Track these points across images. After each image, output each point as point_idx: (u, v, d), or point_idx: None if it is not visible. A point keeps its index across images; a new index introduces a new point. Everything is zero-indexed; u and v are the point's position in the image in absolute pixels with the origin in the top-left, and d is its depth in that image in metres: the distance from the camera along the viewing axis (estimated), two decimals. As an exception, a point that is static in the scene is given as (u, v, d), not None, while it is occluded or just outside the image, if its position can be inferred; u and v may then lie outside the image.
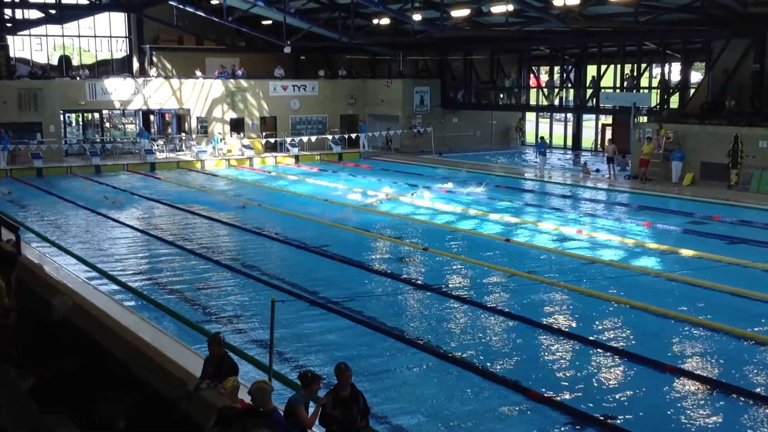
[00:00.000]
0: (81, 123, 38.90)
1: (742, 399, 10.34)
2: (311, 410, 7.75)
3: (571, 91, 38.78)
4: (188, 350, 11.12)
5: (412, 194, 25.81)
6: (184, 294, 15.39)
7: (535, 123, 45.17)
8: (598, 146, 40.91)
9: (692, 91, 32.98)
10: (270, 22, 39.29)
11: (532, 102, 40.06)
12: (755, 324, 13.09)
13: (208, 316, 13.96)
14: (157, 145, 37.33)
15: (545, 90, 39.80)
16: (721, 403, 10.33)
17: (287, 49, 37.13)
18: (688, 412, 10.06)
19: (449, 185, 28.62)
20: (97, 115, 38.57)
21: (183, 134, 38.92)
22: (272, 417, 7.22)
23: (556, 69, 41.59)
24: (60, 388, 7.78)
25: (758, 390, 10.64)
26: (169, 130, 39.55)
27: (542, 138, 27.43)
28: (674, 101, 34.02)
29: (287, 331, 12.68)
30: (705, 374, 11.20)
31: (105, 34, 40.82)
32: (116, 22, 40.77)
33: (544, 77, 42.73)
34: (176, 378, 8.68)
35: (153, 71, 38.93)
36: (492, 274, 16.89)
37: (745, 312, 13.95)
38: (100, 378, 9.31)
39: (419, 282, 16.38)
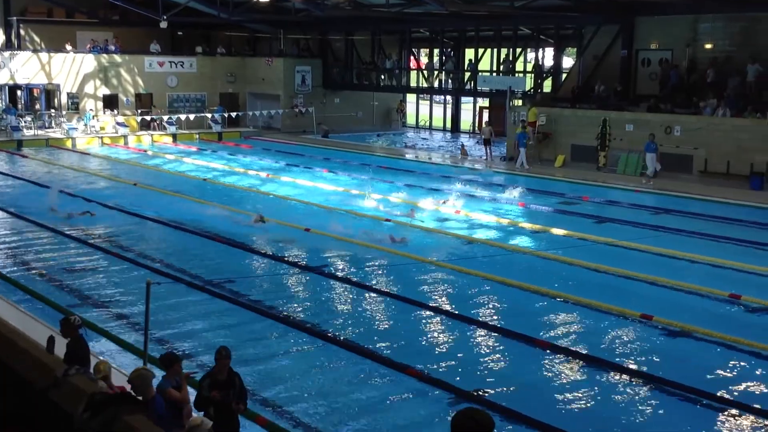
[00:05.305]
0: (-60, 98, 36.55)
1: (609, 371, 10.84)
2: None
3: (450, 73, 39.41)
4: (58, 336, 10.69)
5: (443, 201, 22.26)
6: (54, 277, 14.80)
7: (415, 105, 45.70)
8: (476, 128, 41.81)
9: (564, 75, 34.17)
10: (145, -5, 37.99)
11: (413, 84, 40.48)
12: (621, 299, 13.69)
13: (80, 300, 13.48)
14: (25, 122, 35.62)
15: (425, 72, 40.28)
16: (590, 375, 10.79)
17: (163, 24, 35.94)
18: (559, 385, 10.48)
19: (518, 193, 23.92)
20: (-42, 89, 36.36)
21: (52, 110, 37.29)
22: (152, 404, 7.05)
23: (436, 51, 42.18)
24: None
25: (623, 362, 11.18)
26: (38, 106, 37.76)
27: (524, 128, 26.91)
28: (547, 85, 35.16)
29: (164, 314, 12.40)
30: (574, 348, 11.66)
31: (-34, 4, 38.44)
32: (-21, -9, 38.46)
33: (424, 59, 43.24)
34: (43, 364, 8.34)
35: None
36: (372, 254, 17.01)
37: (611, 288, 14.61)
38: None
39: (300, 263, 16.33)
